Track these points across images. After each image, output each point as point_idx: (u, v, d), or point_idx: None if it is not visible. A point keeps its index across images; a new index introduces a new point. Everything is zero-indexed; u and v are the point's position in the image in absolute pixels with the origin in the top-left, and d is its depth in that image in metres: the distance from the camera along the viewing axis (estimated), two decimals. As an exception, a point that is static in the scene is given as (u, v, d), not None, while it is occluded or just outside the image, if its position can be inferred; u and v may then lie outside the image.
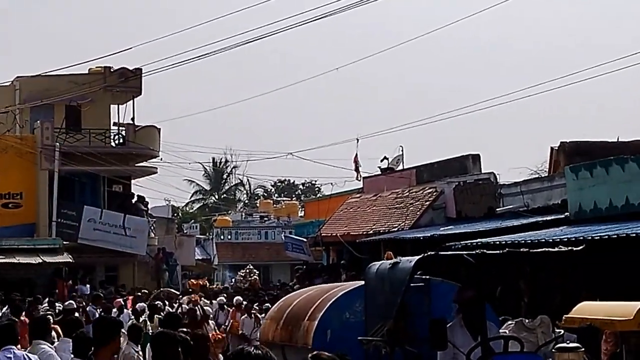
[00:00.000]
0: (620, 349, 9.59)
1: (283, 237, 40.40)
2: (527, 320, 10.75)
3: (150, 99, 76.26)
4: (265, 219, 56.00)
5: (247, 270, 35.24)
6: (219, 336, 17.52)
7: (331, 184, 38.61)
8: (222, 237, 52.17)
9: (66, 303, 19.35)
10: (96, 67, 34.19)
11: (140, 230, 33.47)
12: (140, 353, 10.61)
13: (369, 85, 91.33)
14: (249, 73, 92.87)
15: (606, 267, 14.50)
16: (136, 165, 35.83)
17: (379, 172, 30.65)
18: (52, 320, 11.48)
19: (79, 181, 33.53)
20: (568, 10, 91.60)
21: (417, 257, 9.38)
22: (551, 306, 12.81)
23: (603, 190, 17.07)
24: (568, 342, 8.64)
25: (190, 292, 27.07)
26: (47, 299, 22.51)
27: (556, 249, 10.73)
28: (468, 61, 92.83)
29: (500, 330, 9.82)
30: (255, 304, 20.83)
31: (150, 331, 15.61)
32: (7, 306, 18.70)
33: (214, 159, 64.95)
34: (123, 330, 8.72)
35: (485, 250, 10.41)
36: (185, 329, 11.20)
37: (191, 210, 68.81)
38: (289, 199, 67.08)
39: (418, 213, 24.45)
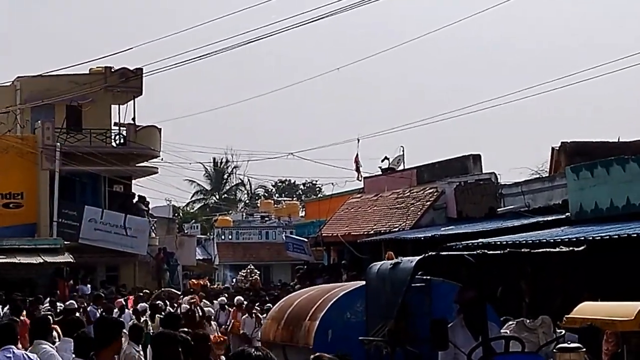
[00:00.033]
0: (621, 349, 9.59)
1: (284, 237, 40.40)
2: (528, 321, 10.75)
3: (151, 99, 76.39)
4: (266, 219, 56.02)
5: (248, 270, 35.26)
6: (221, 338, 17.58)
7: (332, 184, 38.62)
8: (222, 237, 52.18)
9: (67, 303, 19.36)
10: (97, 67, 34.21)
11: (141, 230, 33.48)
12: (142, 353, 10.61)
13: (370, 85, 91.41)
14: (250, 73, 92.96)
15: (607, 267, 14.50)
16: (137, 165, 35.84)
17: (380, 172, 30.66)
18: (51, 320, 11.47)
19: (79, 181, 33.54)
20: (571, 10, 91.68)
21: (418, 258, 9.39)
22: (552, 306, 12.83)
23: (604, 190, 17.07)
24: (569, 342, 8.64)
25: (191, 292, 27.08)
26: (48, 299, 22.53)
27: (557, 250, 10.74)
28: (469, 61, 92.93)
29: (502, 331, 9.83)
30: (257, 304, 20.84)
31: (151, 331, 15.63)
32: (7, 306, 18.71)
33: (214, 159, 65.02)
34: (124, 330, 8.73)
35: (486, 251, 10.41)
36: (186, 329, 11.22)
37: (192, 210, 68.83)
38: (290, 199, 67.11)
39: (419, 213, 24.45)
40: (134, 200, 35.27)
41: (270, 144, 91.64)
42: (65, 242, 30.33)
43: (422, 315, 9.39)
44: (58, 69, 32.87)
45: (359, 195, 30.28)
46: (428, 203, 24.67)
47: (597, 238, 14.37)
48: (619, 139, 21.39)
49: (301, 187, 75.88)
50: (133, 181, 36.08)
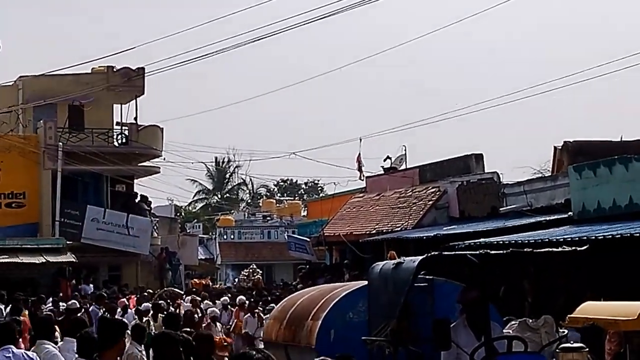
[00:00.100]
0: (624, 348, 9.59)
1: (286, 237, 40.41)
2: (530, 320, 10.74)
3: (153, 98, 76.40)
4: (268, 218, 56.03)
5: (251, 270, 35.28)
6: (226, 341, 17.58)
7: (334, 183, 38.54)
8: (225, 236, 52.20)
9: (69, 303, 19.37)
10: (99, 67, 34.22)
11: (143, 229, 33.48)
12: (144, 353, 10.60)
13: (372, 84, 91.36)
14: (252, 72, 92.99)
15: (610, 267, 14.49)
16: (139, 164, 35.85)
17: (382, 172, 30.63)
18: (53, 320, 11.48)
19: (82, 181, 33.55)
20: (574, 9, 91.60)
21: (420, 257, 9.37)
22: (555, 306, 12.81)
23: (606, 189, 17.06)
24: (572, 342, 8.63)
25: (193, 291, 27.11)
26: (50, 299, 22.54)
27: (560, 249, 10.72)
28: (471, 60, 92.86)
29: (504, 330, 9.82)
30: (260, 304, 20.85)
31: (154, 331, 15.63)
32: (8, 306, 18.72)
33: (216, 158, 65.04)
34: (127, 331, 8.73)
35: (488, 251, 10.39)
36: (188, 329, 11.23)
37: (194, 210, 68.87)
38: (292, 199, 67.11)
39: (421, 213, 24.44)
40: (136, 200, 35.29)
41: (272, 143, 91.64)
42: (68, 242, 30.34)
43: (425, 315, 9.38)
44: (60, 69, 32.83)
45: (361, 195, 30.27)
46: (430, 202, 24.66)
47: (600, 237, 14.36)
48: (621, 138, 21.38)
49: (303, 186, 75.90)
50: (135, 181, 36.09)
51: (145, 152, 35.24)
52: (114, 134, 35.12)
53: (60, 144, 32.47)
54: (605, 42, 79.25)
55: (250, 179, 68.34)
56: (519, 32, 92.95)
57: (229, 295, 24.68)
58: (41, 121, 33.06)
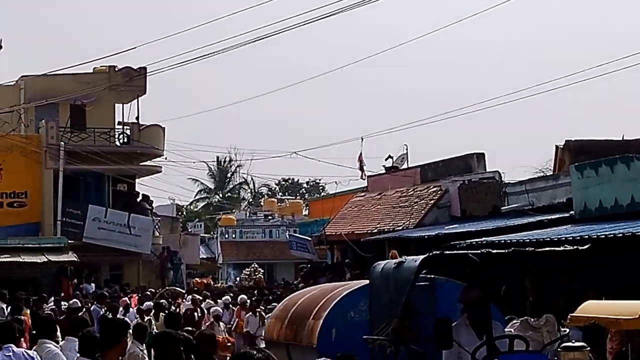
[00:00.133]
0: (625, 347, 9.59)
1: (287, 236, 40.41)
2: (532, 319, 10.75)
3: (154, 98, 76.42)
4: (270, 217, 56.05)
5: (252, 269, 35.28)
6: (229, 341, 17.57)
7: (335, 182, 38.65)
8: (226, 235, 52.21)
9: (71, 302, 19.37)
10: (101, 66, 34.23)
11: (144, 229, 33.49)
12: (145, 352, 10.61)
13: (374, 84, 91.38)
14: (254, 72, 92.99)
15: (611, 266, 14.49)
16: (141, 164, 35.86)
17: (384, 171, 30.64)
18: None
19: (83, 180, 33.56)
20: (573, 9, 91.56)
21: (422, 257, 9.38)
22: (556, 305, 12.81)
23: (608, 188, 17.06)
24: (573, 341, 8.63)
25: (195, 290, 27.11)
26: (52, 298, 22.55)
27: (561, 248, 10.73)
28: (471, 60, 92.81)
29: (506, 330, 9.82)
30: (262, 304, 20.85)
31: (155, 330, 15.63)
32: (10, 305, 18.72)
33: (218, 157, 65.08)
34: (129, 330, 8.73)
35: (490, 250, 10.40)
36: (190, 328, 11.23)
37: (196, 209, 68.90)
38: (294, 198, 67.11)
39: (423, 212, 24.44)
40: (138, 199, 35.29)
41: (273, 142, 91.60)
42: (69, 241, 30.35)
43: (426, 315, 9.38)
44: (62, 68, 32.88)
45: (362, 194, 30.28)
46: (432, 202, 24.66)
47: (602, 237, 14.36)
48: (623, 137, 21.38)
49: (305, 185, 75.91)
50: (137, 180, 36.09)
51: (147, 151, 35.24)
52: (116, 133, 35.13)
53: (62, 143, 32.48)
54: (605, 42, 79.23)
55: (252, 178, 68.43)
56: (519, 33, 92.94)
57: (231, 294, 24.69)
58: (43, 121, 33.07)
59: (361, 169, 31.88)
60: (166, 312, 17.01)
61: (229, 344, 17.43)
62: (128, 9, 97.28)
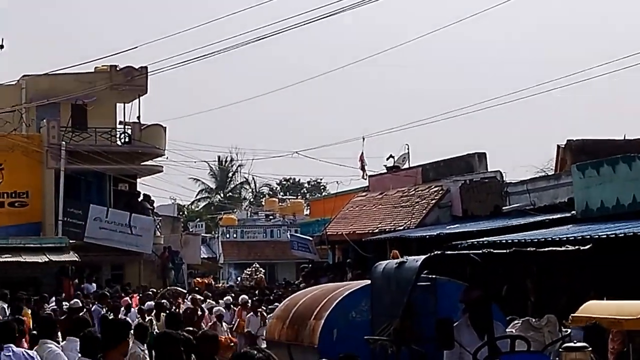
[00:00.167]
0: (627, 348, 9.58)
1: (289, 236, 40.41)
2: (533, 320, 10.74)
3: (156, 97, 76.43)
4: (271, 217, 56.05)
5: (253, 269, 35.27)
6: (232, 342, 17.57)
7: (337, 182, 38.64)
8: (227, 235, 52.21)
9: (72, 302, 19.37)
10: (102, 66, 34.23)
11: (146, 228, 33.50)
12: (147, 352, 10.61)
13: (375, 83, 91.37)
14: (255, 71, 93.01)
15: (613, 266, 14.47)
16: (142, 164, 35.86)
17: (385, 171, 30.63)
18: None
19: (85, 180, 33.57)
20: (576, 9, 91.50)
21: (423, 257, 9.37)
22: (558, 305, 12.79)
23: (610, 188, 17.04)
24: (575, 341, 8.62)
25: (196, 290, 27.11)
26: (53, 298, 22.55)
27: (563, 248, 10.72)
28: (475, 59, 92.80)
29: (507, 330, 9.81)
30: (264, 304, 20.85)
31: (156, 330, 15.63)
32: (10, 305, 18.72)
33: (219, 157, 65.09)
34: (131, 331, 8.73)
35: (491, 250, 10.40)
36: (191, 328, 11.21)
37: (197, 209, 68.92)
38: (295, 198, 67.11)
39: (424, 212, 24.42)
40: (139, 199, 35.29)
41: (274, 142, 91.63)
42: (71, 241, 30.36)
43: (428, 315, 9.37)
44: (63, 68, 32.89)
45: (364, 194, 30.27)
46: (433, 201, 24.65)
47: (603, 236, 14.34)
48: (624, 137, 21.36)
49: (306, 185, 75.91)
50: (138, 180, 36.09)
51: (148, 151, 35.24)
52: (117, 133, 35.13)
53: (63, 143, 32.49)
54: (606, 42, 79.17)
55: (253, 178, 68.44)
56: (519, 32, 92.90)
57: (232, 294, 24.68)
58: (44, 120, 33.08)
59: (362, 168, 31.88)
60: (167, 312, 17.02)
61: (232, 344, 17.43)
62: (129, 8, 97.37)
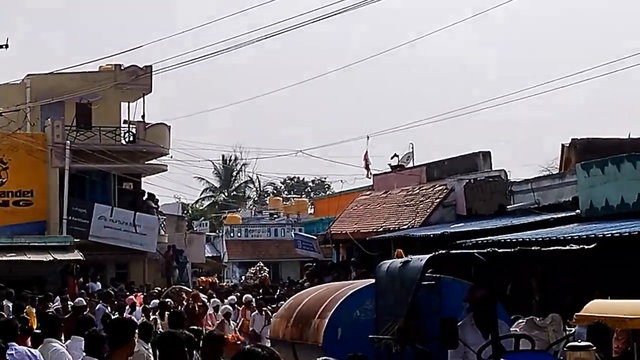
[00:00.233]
0: (631, 346, 9.57)
1: (293, 235, 40.41)
2: (538, 319, 10.74)
3: (160, 96, 76.53)
4: (275, 216, 56.05)
5: (257, 268, 35.30)
6: (239, 340, 17.60)
7: (341, 181, 38.64)
8: (231, 234, 52.23)
9: (76, 300, 19.38)
10: (107, 65, 34.26)
11: (150, 227, 33.54)
12: (150, 351, 10.61)
13: (379, 82, 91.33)
14: (259, 71, 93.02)
15: (618, 265, 14.44)
16: (146, 162, 35.88)
17: (389, 170, 30.60)
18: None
19: (89, 179, 33.61)
20: (584, 7, 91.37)
21: (427, 256, 9.37)
22: (562, 304, 12.80)
23: (614, 187, 17.01)
24: (579, 340, 8.61)
25: (200, 289, 27.14)
26: (57, 297, 22.57)
27: (567, 247, 10.72)
28: (478, 58, 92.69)
29: (512, 329, 9.81)
30: (269, 304, 20.86)
31: (160, 329, 15.64)
32: (12, 304, 18.75)
33: (223, 156, 65.08)
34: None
35: (496, 249, 10.40)
36: (195, 327, 11.22)
37: (201, 208, 68.94)
38: (299, 197, 67.12)
39: (428, 210, 24.40)
40: (144, 198, 35.33)
41: (279, 141, 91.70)
42: (75, 240, 30.40)
43: (432, 314, 9.38)
44: (68, 67, 32.97)
45: (368, 193, 30.24)
46: (437, 200, 24.62)
47: (608, 235, 14.31)
48: (629, 136, 21.33)
49: (310, 184, 75.90)
50: (142, 179, 36.13)
51: (153, 150, 35.27)
52: (122, 132, 35.16)
53: (68, 142, 32.53)
54: (606, 41, 79.02)
55: (257, 177, 68.47)
56: (526, 30, 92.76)
57: (237, 293, 24.69)
58: (49, 119, 33.12)
59: (367, 167, 31.86)
60: (171, 310, 17.04)
61: (239, 342, 17.46)
62: (134, 7, 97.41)
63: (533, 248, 11.42)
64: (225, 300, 22.18)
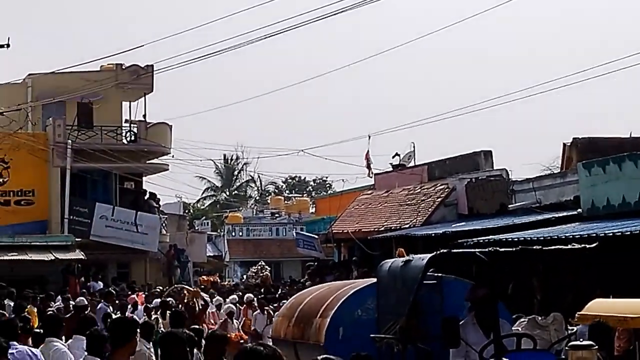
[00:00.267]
0: (633, 346, 9.57)
1: (294, 234, 40.40)
2: (539, 318, 10.73)
3: (161, 96, 76.55)
4: (277, 215, 56.04)
5: (259, 267, 35.27)
6: (242, 339, 17.61)
7: (342, 180, 38.58)
8: (233, 233, 52.23)
9: (77, 300, 19.39)
10: (108, 64, 34.27)
11: (152, 227, 33.54)
12: (152, 350, 10.61)
13: (381, 81, 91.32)
14: (260, 70, 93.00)
15: (619, 264, 14.45)
16: (148, 162, 35.90)
17: (391, 169, 30.61)
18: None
19: (91, 178, 33.63)
20: (584, 7, 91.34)
21: (429, 255, 9.37)
22: (564, 303, 12.79)
23: (616, 186, 17.01)
24: (581, 339, 8.61)
25: (202, 288, 27.14)
26: (58, 296, 22.58)
27: (569, 246, 10.71)
28: (479, 57, 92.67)
29: (513, 328, 9.80)
30: (271, 303, 20.86)
31: (162, 328, 15.64)
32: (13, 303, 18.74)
33: (225, 155, 65.10)
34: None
35: (497, 248, 10.39)
36: (197, 327, 11.22)
37: (202, 207, 68.94)
38: (300, 196, 67.12)
39: (430, 210, 24.40)
40: (145, 197, 35.34)
41: (280, 140, 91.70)
42: (77, 239, 30.41)
43: (434, 313, 9.37)
44: (69, 67, 32.92)
45: (369, 192, 30.25)
46: (439, 199, 24.62)
47: (609, 234, 14.32)
48: (630, 135, 21.33)
49: (311, 183, 75.90)
50: (144, 178, 36.14)
51: (154, 149, 35.29)
52: (123, 131, 35.18)
53: (69, 141, 32.54)
54: (606, 41, 78.98)
55: (259, 176, 68.45)
56: (528, 29, 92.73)
57: (239, 293, 24.70)
58: (50, 119, 33.14)
59: (368, 166, 31.86)
60: (173, 309, 17.04)
61: (242, 340, 17.46)
62: (135, 7, 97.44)
63: (534, 247, 11.40)
64: (227, 300, 22.18)
